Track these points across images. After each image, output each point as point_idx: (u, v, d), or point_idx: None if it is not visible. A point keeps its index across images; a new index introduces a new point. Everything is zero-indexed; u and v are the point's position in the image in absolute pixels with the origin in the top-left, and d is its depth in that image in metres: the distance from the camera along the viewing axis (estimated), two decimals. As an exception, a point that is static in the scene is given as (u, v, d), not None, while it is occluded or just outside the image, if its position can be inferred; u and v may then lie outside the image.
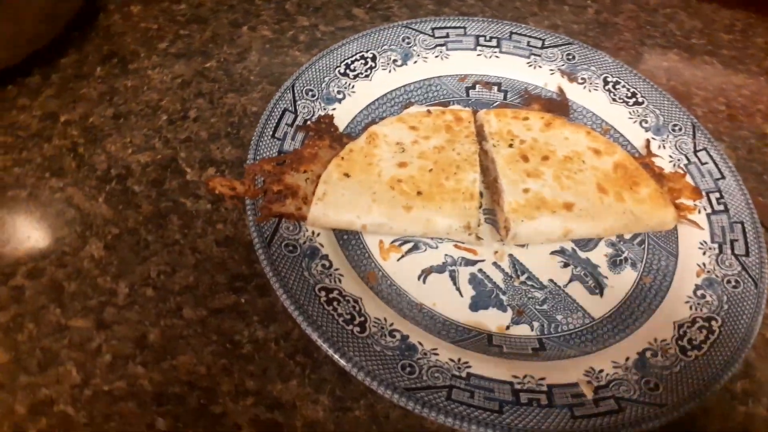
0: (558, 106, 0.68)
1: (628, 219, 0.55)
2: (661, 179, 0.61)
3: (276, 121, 0.59)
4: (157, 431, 0.45)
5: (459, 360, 0.48)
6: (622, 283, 0.56)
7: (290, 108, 0.61)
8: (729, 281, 0.55)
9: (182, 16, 0.75)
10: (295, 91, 0.62)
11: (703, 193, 0.60)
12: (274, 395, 0.47)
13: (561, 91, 0.69)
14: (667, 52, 0.81)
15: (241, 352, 0.49)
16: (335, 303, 0.49)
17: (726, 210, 0.59)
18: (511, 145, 0.60)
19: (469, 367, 0.48)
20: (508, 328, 0.52)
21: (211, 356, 0.49)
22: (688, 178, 0.61)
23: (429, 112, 0.63)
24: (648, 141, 0.65)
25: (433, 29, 0.71)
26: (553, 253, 0.57)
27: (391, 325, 0.49)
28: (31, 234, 0.54)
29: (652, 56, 0.80)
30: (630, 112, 0.67)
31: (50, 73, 0.67)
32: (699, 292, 0.54)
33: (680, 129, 0.65)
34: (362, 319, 0.49)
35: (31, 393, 0.46)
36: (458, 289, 0.54)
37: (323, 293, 0.49)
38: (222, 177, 0.56)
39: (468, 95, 0.69)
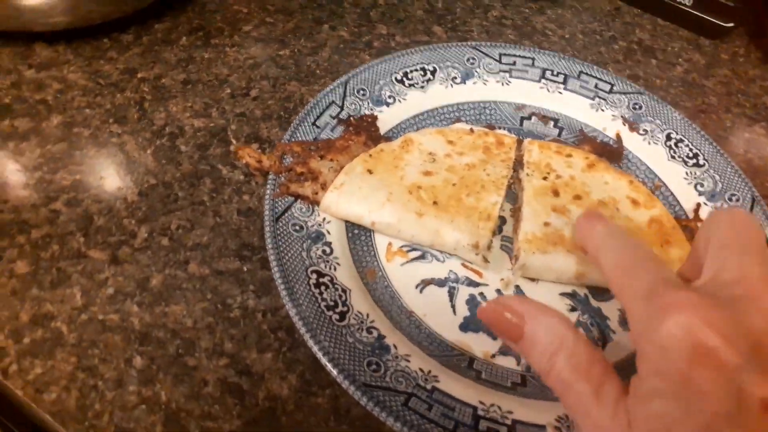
0: (611, 152, 0.65)
1: None
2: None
3: (321, 110, 0.62)
4: (133, 367, 0.48)
5: (429, 372, 0.48)
6: (627, 342, 0.53)
7: (338, 102, 0.63)
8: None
9: (272, 5, 0.80)
10: (348, 87, 0.64)
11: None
12: (246, 362, 0.49)
13: (618, 137, 0.66)
14: (753, 124, 0.76)
15: (228, 315, 0.51)
16: (323, 287, 0.50)
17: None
18: (545, 178, 0.59)
19: (437, 381, 0.47)
20: (493, 356, 0.51)
21: (201, 312, 0.51)
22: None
23: (472, 130, 0.63)
24: (698, 205, 0.61)
25: (500, 55, 0.71)
26: (563, 294, 0.55)
27: (372, 322, 0.50)
28: (81, 169, 0.60)
29: (734, 125, 0.75)
30: (687, 173, 0.64)
31: (142, 34, 0.74)
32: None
33: (738, 200, 0.61)
34: (345, 309, 0.49)
35: (37, 305, 0.50)
36: (453, 306, 0.54)
37: (314, 276, 0.51)
38: (251, 148, 0.59)
39: (521, 125, 0.68)
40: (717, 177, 0.63)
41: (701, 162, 0.64)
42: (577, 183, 0.58)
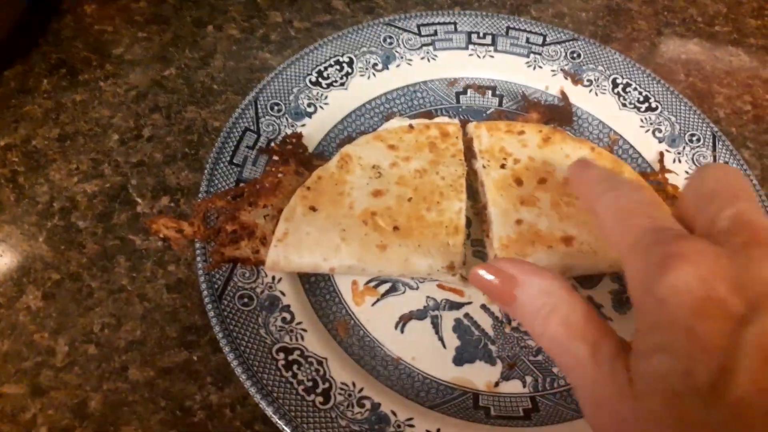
0: (560, 113, 0.60)
1: None
2: (673, 201, 0.53)
3: (235, 142, 0.52)
4: None
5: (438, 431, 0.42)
6: (627, 326, 0.49)
7: (252, 127, 0.54)
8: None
9: (141, 15, 0.67)
10: (259, 106, 0.55)
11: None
12: (229, 471, 0.42)
13: (563, 95, 0.61)
14: (687, 42, 0.72)
15: (192, 421, 0.44)
16: (295, 367, 0.43)
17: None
18: (503, 166, 0.52)
19: (449, 440, 0.42)
20: (497, 384, 0.46)
21: (160, 426, 0.43)
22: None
23: (411, 127, 0.55)
24: (662, 154, 0.57)
25: (419, 26, 0.63)
26: (550, 291, 0.50)
27: (361, 390, 0.43)
28: (-39, 282, 0.48)
29: (669, 48, 0.71)
30: (642, 120, 0.59)
31: (-9, 87, 0.60)
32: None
33: (698, 140, 0.57)
34: (326, 385, 0.43)
35: (-46, 475, 0.41)
36: (441, 338, 0.48)
37: (281, 355, 0.43)
38: (167, 217, 0.49)
39: (458, 101, 0.61)
40: (673, 118, 0.59)
41: (653, 105, 0.60)
42: (537, 164, 0.53)
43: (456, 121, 0.57)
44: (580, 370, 0.32)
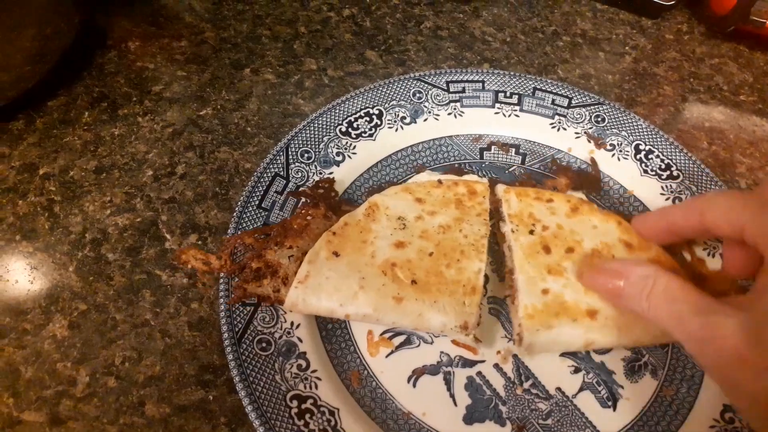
0: (588, 180, 0.61)
1: (658, 330, 0.48)
2: (702, 280, 0.53)
3: (264, 188, 0.54)
4: None
5: (443, 492, 0.43)
6: (639, 394, 0.50)
7: (282, 173, 0.55)
8: (766, 404, 0.47)
9: (182, 54, 0.70)
10: (289, 153, 0.57)
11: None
12: None
13: (594, 162, 0.62)
14: (711, 110, 0.73)
15: (203, 461, 0.44)
16: (308, 416, 0.44)
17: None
18: (531, 232, 0.53)
19: (455, 501, 0.42)
20: (505, 446, 0.46)
21: (171, 464, 0.44)
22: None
23: (440, 182, 0.57)
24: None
25: (447, 83, 0.65)
26: (563, 355, 0.51)
27: (370, 444, 0.44)
28: (-8, 306, 0.50)
29: (693, 114, 0.72)
30: (663, 187, 0.60)
31: (35, 117, 0.63)
32: (727, 416, 0.47)
33: (719, 211, 0.58)
34: (337, 437, 0.43)
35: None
36: (452, 396, 0.48)
37: (295, 403, 0.44)
38: (196, 249, 0.51)
39: (482, 157, 0.63)
40: (694, 188, 0.59)
41: (675, 173, 0.60)
42: (565, 232, 0.53)
43: (485, 180, 0.58)
44: (684, 326, 0.39)
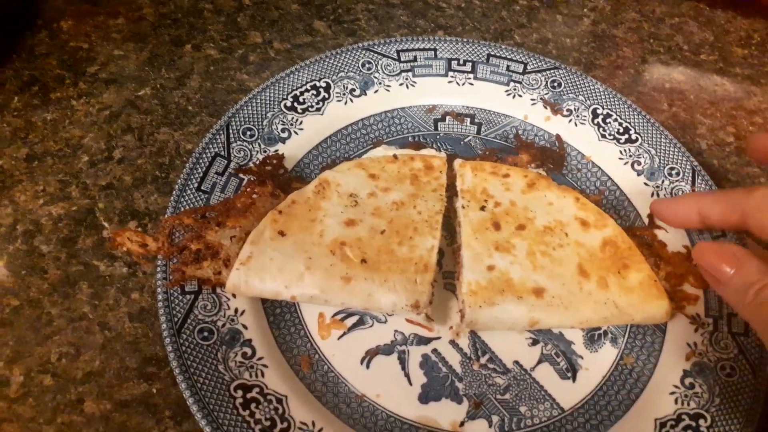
0: (551, 157, 0.58)
1: (609, 311, 0.46)
2: (661, 262, 0.51)
3: (204, 169, 0.51)
4: None
5: (397, 474, 0.41)
6: (599, 363, 0.49)
7: (222, 152, 0.53)
8: (723, 367, 0.47)
9: (118, 32, 0.66)
10: (230, 131, 0.54)
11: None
12: None
13: (559, 139, 0.60)
14: (672, 71, 0.71)
15: (147, 457, 0.42)
16: (253, 405, 0.42)
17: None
18: (483, 208, 0.51)
19: (408, 484, 0.41)
20: (462, 424, 0.45)
21: (113, 462, 0.42)
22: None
23: (395, 157, 0.54)
24: (651, 216, 0.55)
25: (398, 52, 0.62)
26: (521, 327, 0.49)
27: (320, 430, 0.42)
28: None
29: (653, 76, 0.70)
30: (621, 151, 0.58)
31: (-41, 104, 0.59)
32: (687, 381, 0.47)
33: (678, 173, 0.56)
34: (285, 425, 0.42)
35: None
36: (407, 375, 0.47)
37: (240, 393, 0.42)
38: (131, 230, 0.48)
39: (437, 128, 0.60)
40: (653, 151, 0.58)
41: (634, 137, 0.59)
42: (518, 209, 0.51)
43: (443, 155, 0.55)
44: None
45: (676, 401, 0.46)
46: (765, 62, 0.73)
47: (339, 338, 0.48)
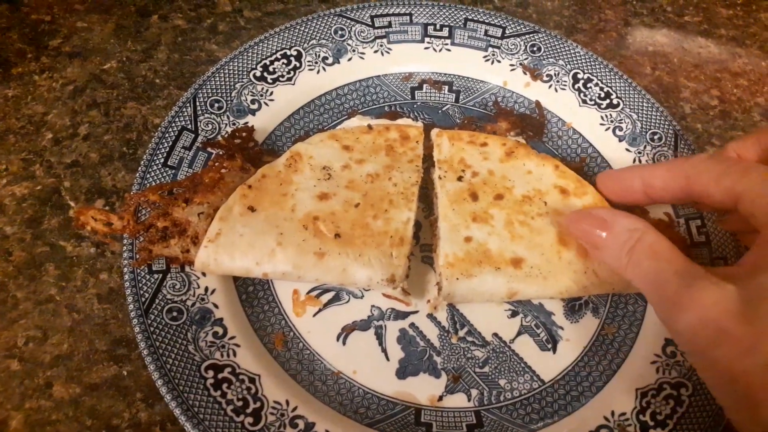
0: (531, 124, 0.57)
1: (588, 281, 0.45)
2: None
3: (170, 144, 0.50)
4: None
5: (374, 450, 0.41)
6: (580, 334, 0.48)
7: (189, 126, 0.51)
8: (706, 335, 0.46)
9: (81, 4, 0.64)
10: (197, 103, 0.52)
11: (681, 221, 0.51)
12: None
13: (539, 106, 0.58)
14: (655, 33, 0.69)
15: (119, 440, 0.41)
16: (225, 385, 0.41)
17: (708, 242, 0.50)
18: (460, 178, 0.50)
19: (386, 460, 0.40)
20: (441, 398, 0.44)
21: (84, 446, 0.41)
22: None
23: (370, 127, 0.52)
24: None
25: (372, 17, 0.60)
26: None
27: (294, 409, 0.41)
28: None
29: (636, 39, 0.69)
30: (602, 117, 0.57)
31: None
32: (669, 350, 0.46)
33: (660, 138, 0.55)
34: (257, 405, 0.41)
35: None
36: (384, 350, 0.46)
37: (210, 373, 0.41)
38: (95, 209, 0.46)
39: (414, 97, 0.59)
40: (634, 116, 0.56)
41: (615, 101, 0.57)
42: (496, 178, 0.50)
43: (419, 124, 0.54)
44: (662, 287, 0.36)
45: (657, 370, 0.45)
46: (750, 23, 0.71)
47: (314, 315, 0.47)
